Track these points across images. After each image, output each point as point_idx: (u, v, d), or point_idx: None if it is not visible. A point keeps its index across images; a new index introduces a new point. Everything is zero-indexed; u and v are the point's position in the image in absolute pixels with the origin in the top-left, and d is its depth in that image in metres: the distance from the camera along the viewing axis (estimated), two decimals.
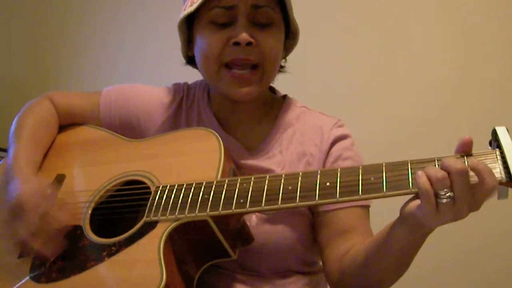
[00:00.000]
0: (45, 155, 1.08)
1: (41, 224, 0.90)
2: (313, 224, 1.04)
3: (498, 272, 1.80)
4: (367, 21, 2.12)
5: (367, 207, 1.02)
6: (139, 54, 2.61)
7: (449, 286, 1.86)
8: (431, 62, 2.00)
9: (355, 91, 2.09)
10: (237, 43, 0.97)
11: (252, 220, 0.98)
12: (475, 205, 0.73)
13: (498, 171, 0.74)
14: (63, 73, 2.79)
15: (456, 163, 0.71)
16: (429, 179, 0.72)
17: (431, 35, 2.01)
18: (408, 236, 0.80)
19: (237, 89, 0.99)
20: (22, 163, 0.99)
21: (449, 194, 0.72)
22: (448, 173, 0.72)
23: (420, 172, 0.74)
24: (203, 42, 1.01)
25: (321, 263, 1.10)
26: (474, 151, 0.77)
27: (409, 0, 2.07)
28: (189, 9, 0.99)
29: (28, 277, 0.91)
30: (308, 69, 2.04)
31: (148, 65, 2.55)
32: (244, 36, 0.96)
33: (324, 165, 1.04)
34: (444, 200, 0.72)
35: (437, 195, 0.72)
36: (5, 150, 2.48)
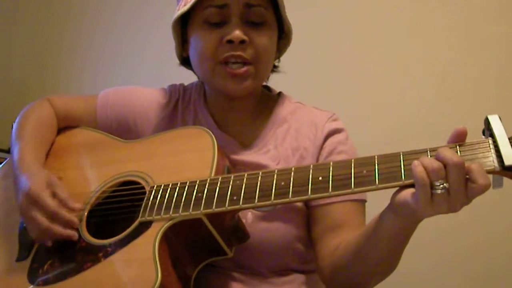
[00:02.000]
0: None
1: (57, 209, 0.92)
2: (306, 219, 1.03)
3: (496, 272, 1.78)
4: (365, 20, 2.10)
5: (362, 201, 1.02)
6: (139, 54, 2.61)
7: (447, 287, 1.85)
8: (430, 61, 1.97)
9: (353, 90, 2.06)
10: (230, 41, 0.97)
11: (248, 217, 0.98)
12: (466, 200, 0.72)
13: (491, 160, 0.73)
14: (63, 74, 2.80)
15: (453, 156, 0.70)
16: (425, 169, 0.72)
17: (430, 33, 1.99)
18: (398, 224, 0.80)
19: (233, 84, 1.00)
20: (28, 160, 1.01)
21: (444, 185, 0.71)
22: (445, 165, 0.71)
23: (416, 162, 0.73)
24: (197, 42, 1.01)
25: None
26: (467, 141, 0.76)
27: None
28: (183, 8, 1.00)
29: (26, 280, 0.91)
30: (306, 69, 2.03)
31: (148, 65, 2.55)
32: (237, 34, 0.96)
33: (317, 159, 1.03)
34: (439, 191, 0.71)
35: (432, 186, 0.71)
36: (5, 151, 2.50)
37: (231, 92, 1.01)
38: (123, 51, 2.67)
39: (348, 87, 2.08)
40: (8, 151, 2.53)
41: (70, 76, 2.78)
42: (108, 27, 2.73)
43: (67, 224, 0.92)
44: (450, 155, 0.71)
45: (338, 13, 2.14)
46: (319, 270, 1.00)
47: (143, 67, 2.57)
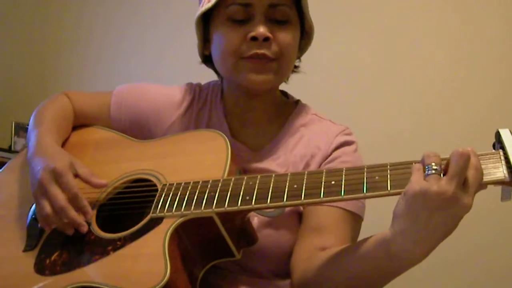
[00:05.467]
0: None
1: (79, 192, 0.93)
2: None
3: (497, 273, 1.78)
4: (370, 21, 2.14)
5: (354, 214, 0.99)
6: (138, 53, 2.62)
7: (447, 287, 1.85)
8: (436, 64, 2.00)
9: (359, 94, 2.09)
10: (254, 38, 0.98)
11: (254, 222, 0.98)
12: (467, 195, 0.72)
13: (501, 171, 0.75)
14: (62, 73, 2.82)
15: (459, 147, 0.73)
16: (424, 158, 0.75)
17: (435, 36, 2.02)
18: (386, 238, 0.78)
19: (255, 76, 1.00)
20: (49, 142, 1.02)
21: (437, 167, 0.73)
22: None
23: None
24: (220, 39, 1.02)
25: None
26: (477, 152, 0.78)
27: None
28: (207, 5, 1.01)
29: (32, 271, 0.92)
30: (315, 71, 2.05)
31: (147, 65, 2.55)
32: (262, 31, 0.98)
33: (319, 167, 1.04)
34: (431, 171, 0.73)
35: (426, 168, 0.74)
36: (5, 150, 2.50)
37: (254, 84, 1.01)
38: (123, 49, 2.69)
39: (350, 88, 2.10)
40: (8, 150, 2.53)
41: (70, 75, 2.80)
42: (108, 25, 2.75)
43: (81, 210, 0.93)
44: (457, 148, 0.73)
45: (347, 14, 2.18)
46: (291, 266, 0.97)
47: (143, 65, 2.57)
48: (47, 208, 0.92)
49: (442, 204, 0.71)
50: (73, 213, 0.92)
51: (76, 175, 0.96)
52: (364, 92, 2.09)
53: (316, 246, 0.95)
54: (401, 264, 0.78)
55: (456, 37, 2.00)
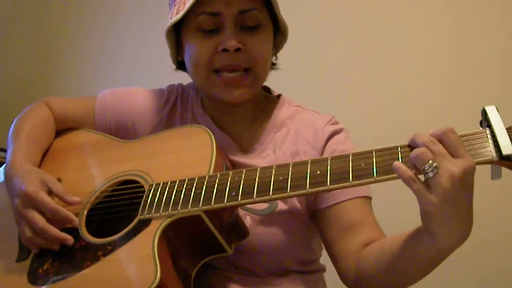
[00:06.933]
0: (42, 160, 1.09)
1: (56, 206, 0.92)
2: (317, 224, 1.02)
3: (499, 273, 1.77)
4: (365, 17, 2.10)
5: (368, 198, 1.00)
6: (138, 54, 2.60)
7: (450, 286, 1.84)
8: (431, 59, 1.96)
9: (352, 90, 2.06)
10: (225, 50, 0.96)
11: (247, 221, 0.97)
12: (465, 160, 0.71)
13: (489, 150, 0.73)
14: (63, 74, 2.80)
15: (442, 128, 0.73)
16: (412, 160, 0.73)
17: (431, 31, 1.98)
18: (433, 244, 0.77)
19: (229, 92, 0.99)
20: (20, 162, 1.01)
21: (434, 164, 0.70)
22: (441, 138, 0.72)
23: (396, 162, 0.74)
24: (191, 50, 1.01)
25: (318, 262, 1.08)
26: (464, 131, 0.76)
27: None
28: (176, 17, 0.99)
29: (26, 281, 0.91)
30: (305, 67, 2.02)
31: (147, 65, 2.53)
32: (232, 43, 0.96)
33: None
34: (431, 173, 0.70)
35: (423, 172, 0.71)
36: (5, 151, 2.52)
37: (229, 99, 1.01)
38: (123, 49, 2.67)
39: (347, 85, 2.07)
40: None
41: (70, 75, 2.77)
42: (108, 25, 2.72)
43: (66, 221, 0.92)
44: (421, 138, 0.73)
45: (337, 9, 2.14)
46: (341, 272, 0.97)
47: (143, 65, 2.55)
48: (28, 232, 0.92)
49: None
50: (54, 231, 0.91)
51: (50, 192, 0.95)
52: (359, 90, 2.05)
53: (358, 245, 0.94)
54: (453, 251, 0.78)
55: (450, 33, 1.95)
